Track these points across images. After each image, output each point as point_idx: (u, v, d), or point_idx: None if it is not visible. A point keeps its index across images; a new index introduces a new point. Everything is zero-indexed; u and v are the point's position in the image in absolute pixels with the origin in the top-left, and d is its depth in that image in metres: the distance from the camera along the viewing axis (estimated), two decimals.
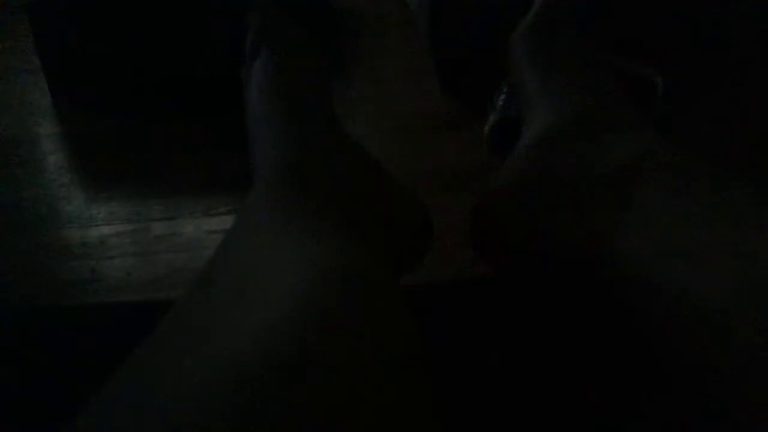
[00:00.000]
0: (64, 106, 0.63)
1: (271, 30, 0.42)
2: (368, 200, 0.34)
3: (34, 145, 0.60)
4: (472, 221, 0.38)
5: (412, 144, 0.59)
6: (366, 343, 0.22)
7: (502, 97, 0.57)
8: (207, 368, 0.20)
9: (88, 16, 0.60)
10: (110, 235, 0.51)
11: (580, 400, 0.36)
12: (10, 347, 0.46)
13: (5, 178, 0.56)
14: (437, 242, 0.40)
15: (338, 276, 0.24)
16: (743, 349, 0.22)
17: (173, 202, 0.53)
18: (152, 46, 0.61)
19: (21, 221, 0.52)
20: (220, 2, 0.60)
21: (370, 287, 0.25)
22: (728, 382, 0.22)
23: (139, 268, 0.49)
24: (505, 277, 0.40)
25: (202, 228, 0.51)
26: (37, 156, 0.58)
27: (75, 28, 0.60)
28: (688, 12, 0.61)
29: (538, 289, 0.36)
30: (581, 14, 0.44)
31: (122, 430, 0.19)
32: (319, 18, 0.66)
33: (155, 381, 0.20)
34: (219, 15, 0.60)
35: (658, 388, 0.25)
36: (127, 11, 0.60)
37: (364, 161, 0.37)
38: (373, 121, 0.61)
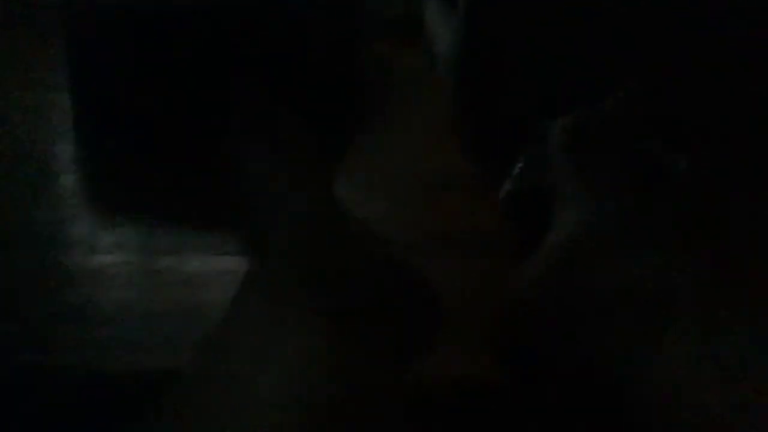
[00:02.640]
0: (85, 127, 0.63)
1: (261, 106, 0.42)
2: (371, 285, 0.34)
3: (47, 163, 0.59)
4: (493, 324, 0.38)
5: (426, 202, 0.59)
6: None
7: (520, 165, 0.57)
8: None
9: (125, 40, 0.60)
10: (112, 264, 0.50)
11: None
12: None
13: (14, 194, 0.56)
14: (448, 325, 0.38)
15: (332, 375, 0.24)
16: None
17: (181, 236, 0.53)
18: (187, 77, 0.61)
19: (24, 240, 0.52)
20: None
21: (364, 382, 0.25)
22: None
23: (139, 302, 0.47)
24: (521, 384, 0.39)
25: (208, 266, 0.51)
26: (49, 175, 0.58)
27: (110, 51, 0.60)
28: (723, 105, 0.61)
29: (553, 402, 0.35)
30: (623, 110, 0.44)
31: None
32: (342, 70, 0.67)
33: None
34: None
35: None
36: (163, 38, 0.60)
37: (369, 242, 0.37)
38: (388, 176, 0.61)
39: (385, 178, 0.61)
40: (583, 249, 0.35)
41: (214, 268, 0.50)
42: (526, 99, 0.64)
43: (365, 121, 0.67)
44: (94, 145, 0.61)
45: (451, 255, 0.52)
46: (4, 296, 0.47)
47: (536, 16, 0.61)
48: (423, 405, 0.39)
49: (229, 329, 0.29)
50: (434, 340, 0.37)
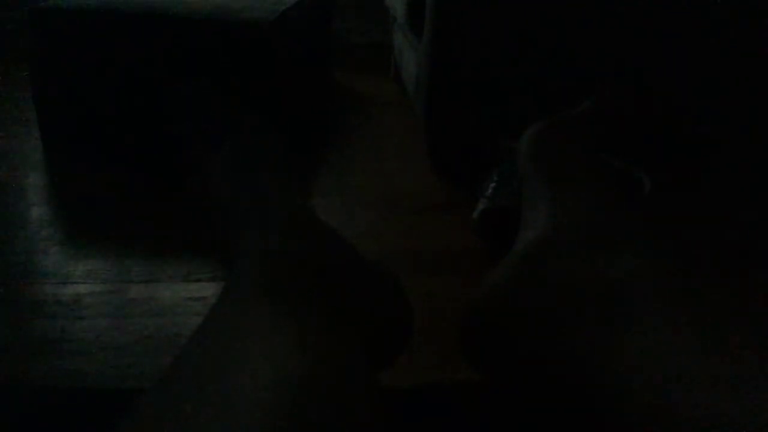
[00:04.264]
0: (56, 160, 0.63)
1: (232, 122, 0.43)
2: (343, 292, 0.34)
3: (19, 195, 0.59)
4: (463, 328, 0.38)
5: (399, 222, 0.60)
6: None
7: (492, 185, 0.58)
8: None
9: (88, 75, 0.61)
10: (85, 294, 0.50)
11: None
12: None
13: None
14: (422, 336, 0.39)
15: (302, 383, 0.24)
16: None
17: (153, 264, 0.52)
18: (144, 107, 0.62)
19: None
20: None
21: (334, 392, 0.25)
22: None
23: (111, 331, 0.47)
24: (494, 385, 0.39)
25: (179, 294, 0.50)
26: (21, 207, 0.58)
27: (74, 86, 0.61)
28: (677, 121, 0.63)
29: (526, 401, 0.35)
30: (586, 123, 0.46)
31: None
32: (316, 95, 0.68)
33: None
34: None
35: None
36: (125, 73, 0.61)
37: (340, 250, 0.37)
38: (362, 196, 0.62)
39: (359, 200, 0.61)
40: (547, 249, 0.35)
41: (185, 295, 0.50)
42: (493, 120, 0.65)
43: (338, 144, 0.68)
44: (66, 176, 0.61)
45: (423, 273, 0.53)
46: None
47: (501, 45, 0.63)
48: (398, 410, 0.39)
49: (199, 339, 0.28)
50: (407, 347, 0.37)
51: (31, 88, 0.62)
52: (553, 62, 0.64)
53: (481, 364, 0.38)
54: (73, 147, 0.64)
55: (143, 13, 0.61)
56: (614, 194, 0.41)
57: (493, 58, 0.63)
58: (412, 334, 0.38)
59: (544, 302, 0.33)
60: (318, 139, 0.63)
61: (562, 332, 0.31)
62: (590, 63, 0.63)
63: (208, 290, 0.49)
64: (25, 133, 0.65)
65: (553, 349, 0.31)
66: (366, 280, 0.36)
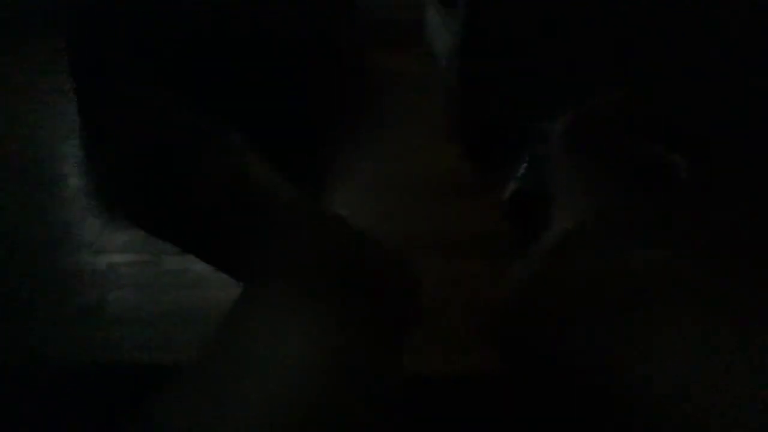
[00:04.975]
0: (92, 131, 0.64)
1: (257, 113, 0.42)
2: (365, 288, 0.34)
3: (56, 166, 0.60)
4: (492, 317, 0.38)
5: (424, 204, 0.60)
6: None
7: (524, 166, 0.58)
8: None
9: (127, 43, 0.61)
10: (121, 264, 0.51)
11: None
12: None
13: (23, 198, 0.57)
14: (444, 327, 0.39)
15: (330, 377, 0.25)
16: None
17: None
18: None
19: (34, 243, 0.53)
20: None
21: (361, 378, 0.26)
22: None
23: (144, 302, 0.48)
24: (516, 377, 0.39)
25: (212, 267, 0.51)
26: (58, 178, 0.59)
27: (112, 56, 0.61)
28: (719, 103, 0.62)
29: (549, 396, 0.35)
30: (621, 109, 0.45)
31: None
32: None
33: None
34: None
35: None
36: (168, 44, 0.61)
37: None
38: (388, 177, 0.62)
39: (383, 182, 0.61)
40: (577, 245, 0.35)
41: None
42: (527, 101, 0.64)
43: (364, 126, 0.67)
44: (103, 147, 0.62)
45: (450, 258, 0.53)
46: (15, 297, 0.48)
47: (537, 18, 0.62)
48: (419, 401, 0.40)
49: (228, 329, 0.29)
50: (428, 338, 0.38)
51: (68, 58, 0.63)
52: (595, 43, 0.62)
53: (508, 356, 0.38)
54: (110, 117, 0.64)
55: None
56: (650, 182, 0.40)
57: (531, 34, 0.62)
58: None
59: (573, 296, 0.33)
60: (341, 119, 0.63)
61: (586, 331, 0.31)
62: (633, 46, 0.62)
63: None
64: (62, 103, 0.66)
65: (576, 349, 0.31)
66: (391, 276, 0.36)
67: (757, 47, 0.63)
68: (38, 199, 0.57)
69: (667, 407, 0.26)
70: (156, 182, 0.37)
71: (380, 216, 0.56)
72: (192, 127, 0.39)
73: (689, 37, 0.63)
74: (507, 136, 0.63)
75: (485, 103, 0.66)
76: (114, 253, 0.52)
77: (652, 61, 0.62)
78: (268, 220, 0.35)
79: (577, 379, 0.31)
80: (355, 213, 0.48)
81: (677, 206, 0.49)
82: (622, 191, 0.38)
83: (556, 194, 0.41)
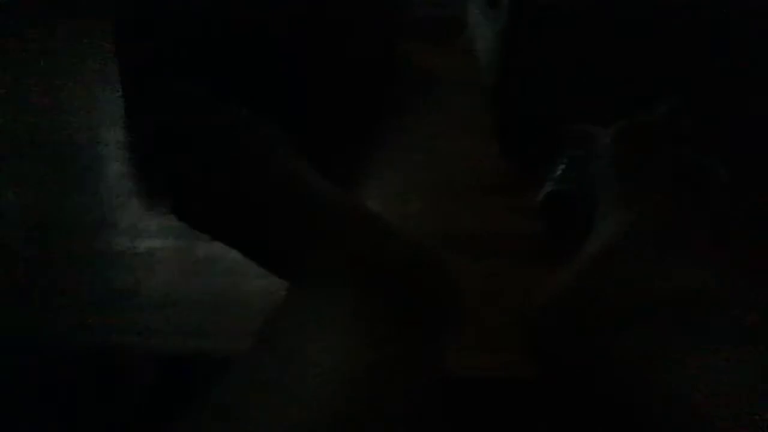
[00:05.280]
0: (135, 116, 0.65)
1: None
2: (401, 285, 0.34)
3: (98, 151, 0.61)
4: (530, 322, 0.38)
5: (459, 203, 0.59)
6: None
7: (562, 167, 0.57)
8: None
9: (172, 30, 0.62)
10: (158, 248, 0.52)
11: None
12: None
13: (66, 181, 0.58)
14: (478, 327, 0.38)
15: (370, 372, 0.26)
16: None
17: None
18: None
19: (75, 225, 0.54)
20: None
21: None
22: None
23: (180, 287, 0.49)
24: (551, 383, 0.39)
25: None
26: (99, 162, 0.60)
27: (158, 41, 0.62)
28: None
29: (584, 404, 0.35)
30: (671, 119, 0.44)
31: None
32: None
33: None
34: None
35: None
36: (211, 29, 0.62)
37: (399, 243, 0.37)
38: (423, 175, 0.61)
39: (420, 181, 0.61)
40: (619, 256, 0.35)
41: None
42: (568, 101, 0.63)
43: (404, 121, 0.67)
44: (142, 132, 0.63)
45: (484, 257, 0.53)
46: (53, 279, 0.49)
47: (582, 20, 0.61)
48: (455, 399, 0.40)
49: (276, 326, 0.30)
50: (463, 338, 0.38)
51: (115, 43, 0.64)
52: (643, 50, 0.61)
53: (547, 362, 0.38)
54: (154, 104, 0.65)
55: None
56: (694, 191, 0.40)
57: (578, 35, 0.61)
58: (463, 327, 0.38)
59: (619, 309, 0.33)
60: (378, 116, 0.63)
61: (628, 340, 0.31)
62: (678, 55, 0.61)
63: None
64: (106, 89, 0.67)
65: (617, 355, 0.31)
66: (426, 274, 0.36)
67: None
68: (79, 183, 0.58)
69: (701, 411, 0.26)
70: (203, 176, 0.37)
71: (418, 215, 0.56)
72: (239, 120, 0.40)
73: (736, 47, 0.62)
74: (545, 136, 0.63)
75: (525, 102, 0.66)
76: (152, 238, 0.53)
77: (702, 71, 0.61)
78: (315, 220, 0.36)
79: (615, 389, 0.31)
80: (393, 212, 0.48)
81: (719, 217, 0.48)
82: (668, 202, 0.38)
83: (600, 199, 0.41)
